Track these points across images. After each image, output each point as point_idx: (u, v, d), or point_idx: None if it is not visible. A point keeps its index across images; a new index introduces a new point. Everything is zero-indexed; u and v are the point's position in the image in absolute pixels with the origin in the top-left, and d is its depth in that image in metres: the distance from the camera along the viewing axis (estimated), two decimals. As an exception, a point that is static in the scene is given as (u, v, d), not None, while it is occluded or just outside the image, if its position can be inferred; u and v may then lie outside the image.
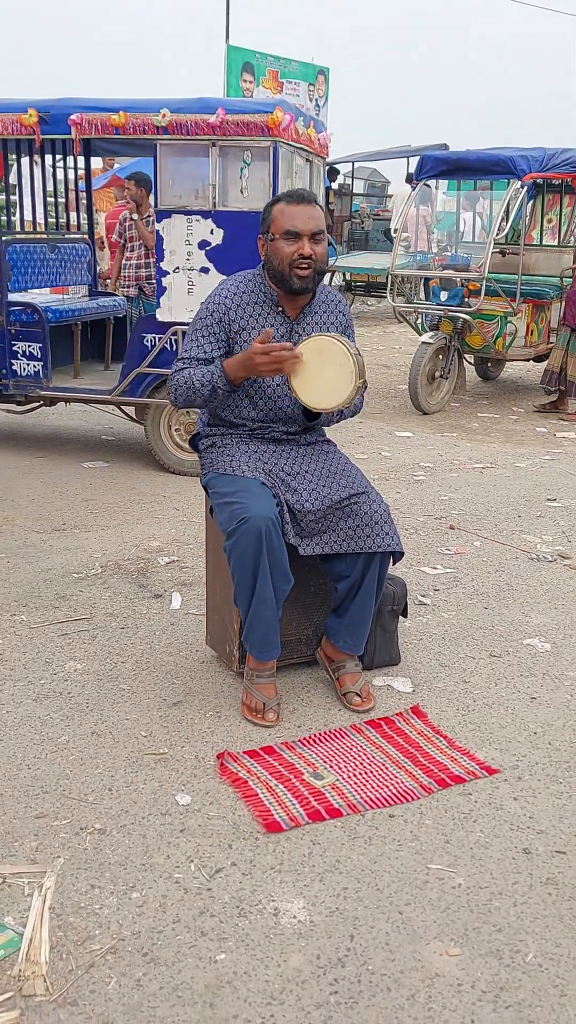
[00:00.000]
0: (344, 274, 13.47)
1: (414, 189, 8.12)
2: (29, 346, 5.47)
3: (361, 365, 2.63)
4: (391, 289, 8.68)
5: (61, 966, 1.81)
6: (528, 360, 8.31)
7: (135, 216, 7.50)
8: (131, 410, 5.82)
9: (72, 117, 4.98)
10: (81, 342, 6.01)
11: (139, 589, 3.71)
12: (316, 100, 14.67)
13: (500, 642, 3.31)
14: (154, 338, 5.19)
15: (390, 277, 8.46)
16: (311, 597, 2.98)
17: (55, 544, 4.20)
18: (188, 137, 4.85)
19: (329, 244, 2.91)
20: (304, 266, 2.65)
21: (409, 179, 11.46)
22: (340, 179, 15.71)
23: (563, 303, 7.40)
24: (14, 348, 5.49)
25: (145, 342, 5.22)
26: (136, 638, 3.27)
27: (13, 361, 5.51)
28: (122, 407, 5.83)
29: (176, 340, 5.10)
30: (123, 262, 7.71)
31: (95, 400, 5.71)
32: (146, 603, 3.57)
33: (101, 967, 1.81)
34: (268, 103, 4.89)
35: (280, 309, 2.77)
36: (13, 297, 5.57)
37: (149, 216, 7.36)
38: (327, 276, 13.41)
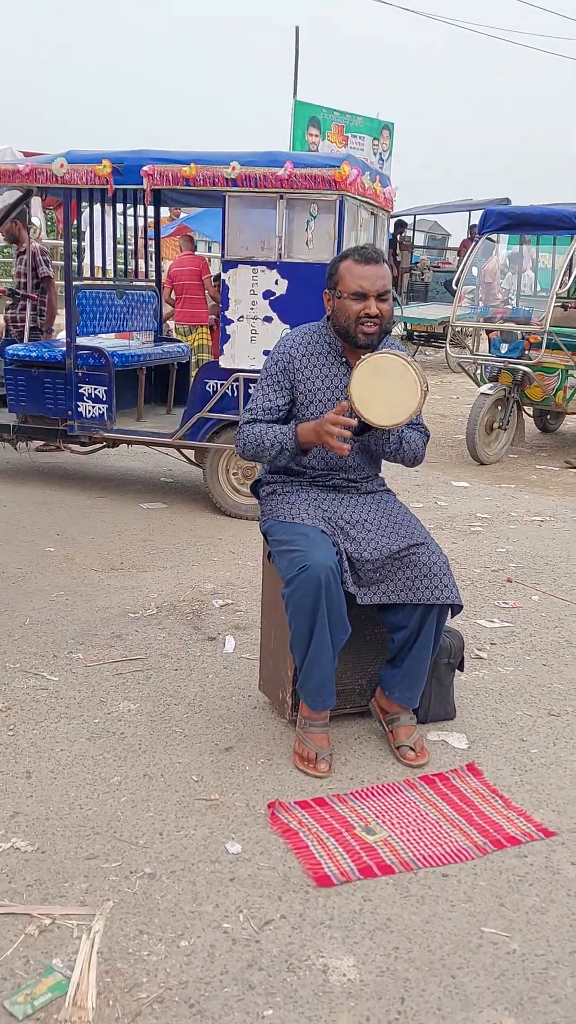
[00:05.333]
0: (405, 324, 13.56)
1: (476, 243, 8.18)
2: (95, 389, 5.59)
3: (421, 371, 2.62)
4: (449, 340, 8.72)
5: (108, 1013, 1.79)
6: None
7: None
8: (191, 453, 5.90)
9: (145, 168, 5.13)
10: (145, 386, 6.12)
11: (193, 631, 3.72)
12: (380, 154, 14.92)
13: (559, 700, 3.24)
14: (216, 384, 5.27)
15: (449, 329, 8.50)
16: (366, 647, 2.96)
17: (113, 583, 4.25)
18: (257, 189, 4.96)
19: (394, 299, 2.94)
20: (370, 324, 2.69)
21: (466, 242, 11.51)
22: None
23: None
24: (80, 391, 5.62)
25: (207, 388, 5.31)
26: (189, 680, 3.27)
27: (79, 403, 5.64)
28: (182, 450, 5.91)
29: (237, 386, 5.17)
30: None
31: (157, 443, 5.80)
32: (200, 645, 3.59)
33: (148, 1016, 1.79)
34: (336, 157, 4.99)
35: (344, 360, 2.80)
36: (81, 341, 5.72)
37: (23, 252, 6.96)
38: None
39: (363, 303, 2.67)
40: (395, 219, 15.20)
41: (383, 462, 2.97)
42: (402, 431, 2.81)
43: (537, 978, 1.93)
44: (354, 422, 2.60)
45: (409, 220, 16.16)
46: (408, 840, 2.37)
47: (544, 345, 7.19)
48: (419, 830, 2.42)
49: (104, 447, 6.21)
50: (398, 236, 15.45)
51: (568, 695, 3.29)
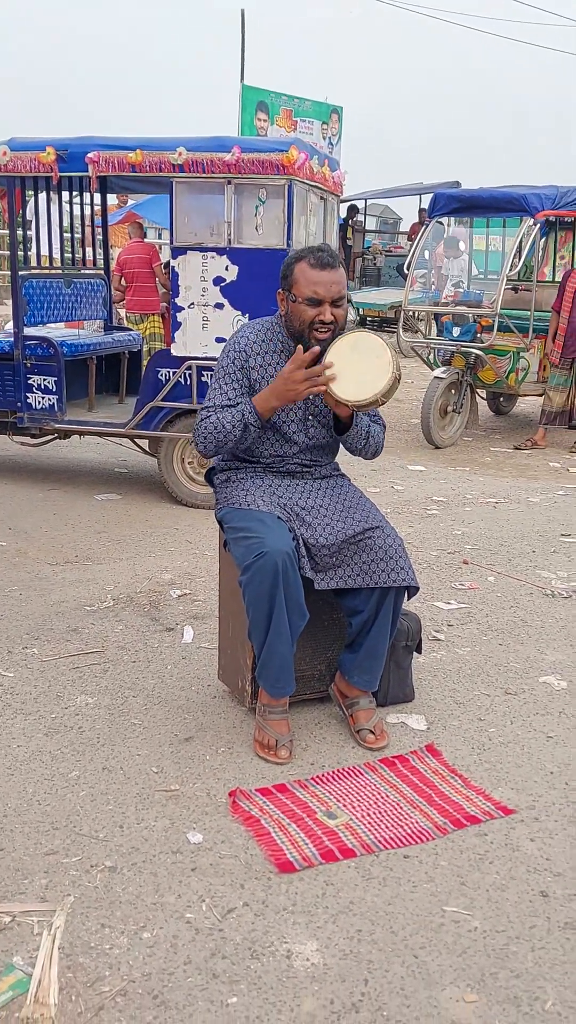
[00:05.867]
0: (357, 309, 13.57)
1: (426, 227, 8.19)
2: (44, 380, 5.51)
3: (396, 359, 2.62)
4: (401, 325, 8.74)
5: (70, 1008, 1.77)
6: (540, 395, 8.33)
7: None
8: (144, 443, 5.85)
9: (90, 155, 5.05)
10: (96, 376, 6.05)
11: (151, 622, 3.69)
12: (329, 138, 14.88)
13: (515, 679, 3.28)
14: (168, 372, 5.23)
15: (401, 313, 8.52)
16: (324, 632, 2.96)
17: (67, 576, 4.20)
18: (204, 175, 4.91)
19: (348, 301, 2.94)
20: (324, 330, 2.68)
21: (416, 226, 11.53)
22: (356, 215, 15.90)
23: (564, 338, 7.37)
24: (29, 382, 5.54)
25: (159, 376, 5.26)
26: (148, 672, 3.25)
27: (28, 394, 5.55)
28: (135, 440, 5.86)
29: (190, 374, 5.13)
30: None
31: (109, 433, 5.73)
32: (158, 636, 3.56)
33: (111, 1010, 1.77)
34: (284, 141, 4.95)
35: None
36: (29, 331, 5.63)
37: None
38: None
39: (318, 309, 2.66)
40: (347, 203, 15.19)
41: (338, 450, 2.96)
42: (369, 425, 2.81)
43: (498, 954, 1.96)
44: (317, 350, 2.60)
45: (361, 204, 16.15)
46: (369, 823, 2.38)
47: (496, 328, 7.24)
48: (380, 812, 2.43)
49: (55, 438, 6.12)
50: (350, 220, 15.45)
51: (524, 674, 3.32)
